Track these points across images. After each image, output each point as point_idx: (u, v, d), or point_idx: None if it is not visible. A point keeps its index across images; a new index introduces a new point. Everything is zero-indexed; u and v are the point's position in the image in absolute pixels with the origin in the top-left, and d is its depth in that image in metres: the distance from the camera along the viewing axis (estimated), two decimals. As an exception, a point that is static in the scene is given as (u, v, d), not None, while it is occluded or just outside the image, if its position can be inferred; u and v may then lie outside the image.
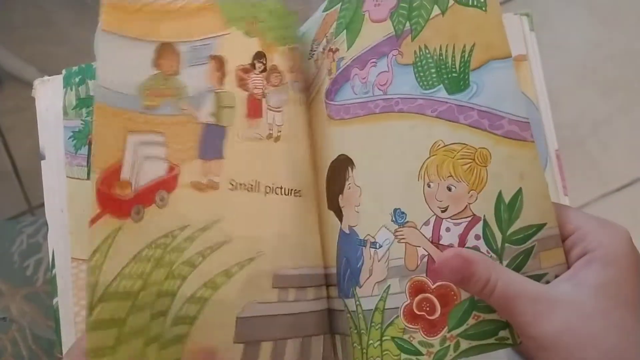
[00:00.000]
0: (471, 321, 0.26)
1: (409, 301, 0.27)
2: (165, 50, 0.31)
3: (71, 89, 0.34)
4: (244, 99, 0.32)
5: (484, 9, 0.27)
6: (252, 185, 0.31)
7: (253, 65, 0.33)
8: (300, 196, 0.33)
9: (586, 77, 0.93)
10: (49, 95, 0.35)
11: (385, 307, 0.28)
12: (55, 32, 0.93)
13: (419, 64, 0.28)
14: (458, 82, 0.27)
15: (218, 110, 0.32)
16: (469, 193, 0.26)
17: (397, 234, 0.28)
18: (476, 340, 0.26)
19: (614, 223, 0.25)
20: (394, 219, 0.28)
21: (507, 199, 0.26)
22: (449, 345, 0.26)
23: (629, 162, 0.90)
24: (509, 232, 0.26)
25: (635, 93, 0.92)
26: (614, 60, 0.93)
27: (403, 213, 0.28)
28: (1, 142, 0.90)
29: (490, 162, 0.26)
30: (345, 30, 0.32)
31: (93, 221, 0.26)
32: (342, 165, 0.32)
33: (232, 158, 0.31)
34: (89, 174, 0.33)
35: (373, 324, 0.29)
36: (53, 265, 0.33)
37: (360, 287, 0.30)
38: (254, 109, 0.33)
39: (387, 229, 0.29)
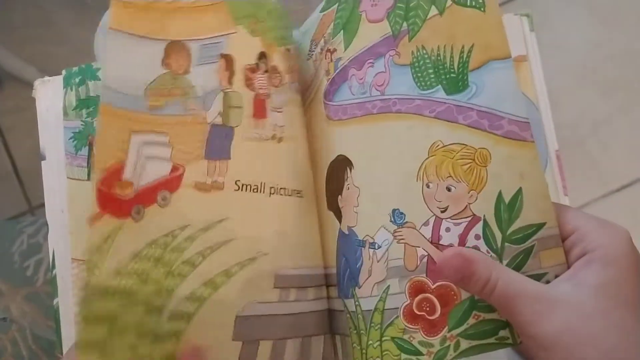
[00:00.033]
0: (471, 321, 0.26)
1: (408, 301, 0.27)
2: (175, 48, 0.30)
3: (71, 90, 0.34)
4: (250, 99, 0.32)
5: (482, 9, 0.27)
6: (257, 186, 0.31)
7: (257, 65, 0.33)
8: (301, 197, 0.33)
9: (586, 77, 0.93)
10: (50, 96, 0.34)
11: (385, 308, 0.28)
12: (55, 32, 0.93)
13: (417, 64, 0.28)
14: (457, 82, 0.27)
15: (226, 110, 0.31)
16: (469, 193, 0.26)
17: (396, 234, 0.28)
18: (476, 339, 0.26)
19: (613, 223, 0.25)
20: (392, 219, 0.28)
21: (507, 198, 0.26)
22: (449, 345, 0.26)
23: (629, 162, 0.90)
24: (508, 232, 0.26)
25: (635, 93, 0.92)
26: (614, 60, 0.93)
27: (402, 213, 0.28)
28: (1, 142, 0.90)
29: (490, 162, 0.26)
30: (342, 31, 0.32)
31: (93, 221, 0.26)
32: (340, 166, 0.32)
33: (238, 158, 0.31)
34: (89, 174, 0.33)
35: (372, 325, 0.29)
36: (53, 266, 0.33)
37: (359, 287, 0.30)
38: (260, 109, 0.32)
39: (386, 229, 0.29)
